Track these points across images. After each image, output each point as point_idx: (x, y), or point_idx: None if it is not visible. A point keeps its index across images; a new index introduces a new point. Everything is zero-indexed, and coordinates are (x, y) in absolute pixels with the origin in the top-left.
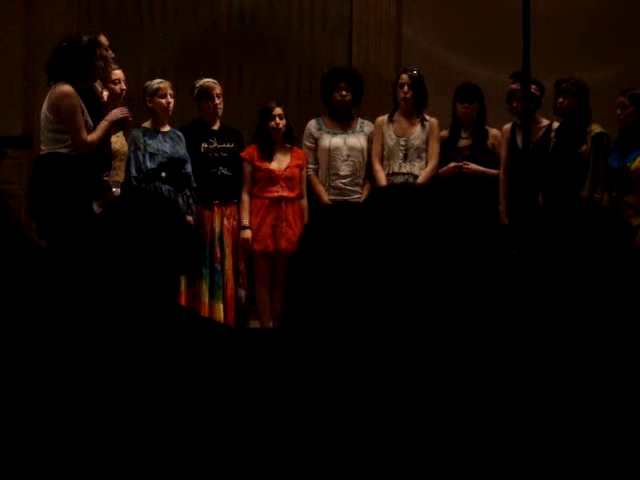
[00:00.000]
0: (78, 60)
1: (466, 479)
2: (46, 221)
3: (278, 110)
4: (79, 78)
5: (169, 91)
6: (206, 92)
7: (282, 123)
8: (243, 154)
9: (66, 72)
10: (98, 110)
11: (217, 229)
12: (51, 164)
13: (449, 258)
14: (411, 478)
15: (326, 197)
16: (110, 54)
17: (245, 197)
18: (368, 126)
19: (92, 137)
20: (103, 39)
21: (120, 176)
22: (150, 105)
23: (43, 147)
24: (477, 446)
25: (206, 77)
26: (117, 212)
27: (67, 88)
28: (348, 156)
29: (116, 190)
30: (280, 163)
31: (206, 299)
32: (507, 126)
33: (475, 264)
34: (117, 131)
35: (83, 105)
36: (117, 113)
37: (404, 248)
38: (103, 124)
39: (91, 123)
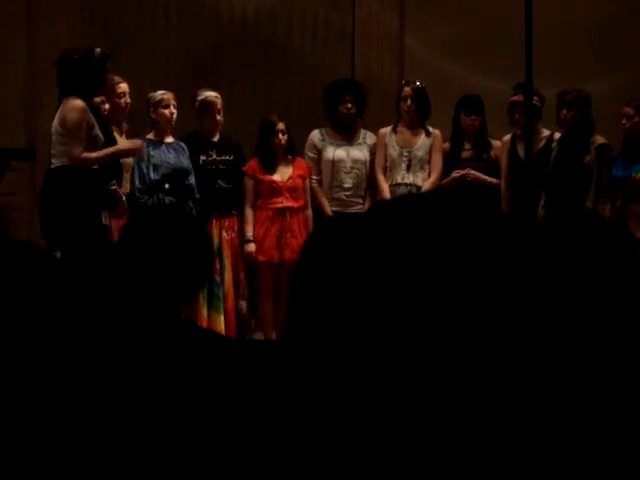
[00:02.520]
0: (90, 74)
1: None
2: (57, 234)
3: (281, 125)
4: (91, 92)
5: (172, 102)
6: (208, 107)
7: (284, 139)
8: (245, 168)
9: (78, 86)
10: (102, 123)
11: (216, 241)
12: (62, 177)
13: (454, 268)
14: None
15: (329, 209)
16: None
17: (248, 211)
18: (370, 137)
19: (88, 155)
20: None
21: (126, 187)
22: (153, 116)
23: (54, 160)
24: (480, 453)
25: (208, 89)
26: (143, 227)
27: (78, 103)
28: (352, 168)
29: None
30: (282, 174)
31: (204, 312)
32: (507, 137)
33: (482, 276)
34: (123, 157)
35: (94, 120)
36: (130, 146)
37: (408, 259)
38: (109, 150)
39: (102, 137)
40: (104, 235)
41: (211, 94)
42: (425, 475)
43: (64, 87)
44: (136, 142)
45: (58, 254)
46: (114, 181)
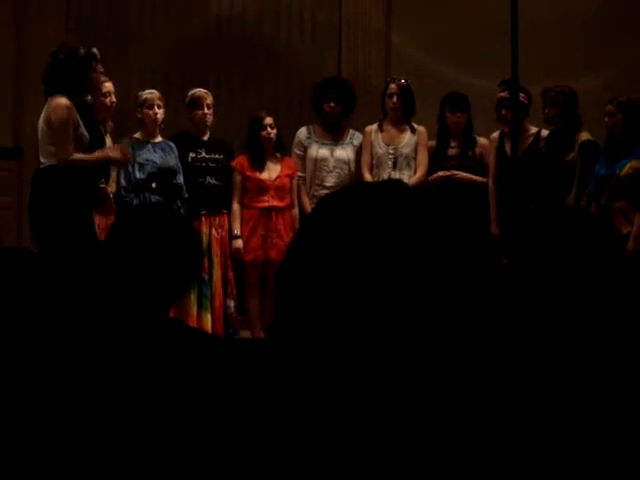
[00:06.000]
0: (75, 73)
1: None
2: (47, 234)
3: (269, 120)
4: (75, 91)
5: (157, 102)
6: (197, 101)
7: (273, 133)
8: (233, 163)
9: (63, 85)
10: (91, 123)
11: (205, 239)
12: (50, 177)
13: (440, 260)
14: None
15: (309, 207)
16: (100, 68)
17: (236, 206)
18: (358, 138)
19: (77, 157)
20: (96, 52)
21: (113, 187)
22: (139, 116)
23: (42, 159)
24: (476, 448)
25: (196, 87)
26: (131, 226)
27: (63, 101)
28: (334, 167)
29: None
30: (270, 173)
31: (194, 311)
32: (495, 134)
33: (464, 269)
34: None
35: (79, 119)
36: (118, 155)
37: (394, 253)
38: (99, 155)
39: (87, 136)
40: (94, 235)
41: (201, 90)
42: (418, 467)
43: (49, 86)
44: (126, 153)
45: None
46: (103, 179)
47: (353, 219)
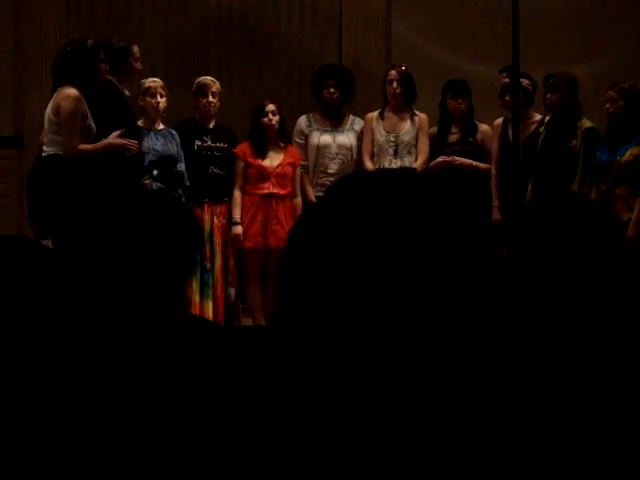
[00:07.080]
0: (82, 64)
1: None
2: (45, 223)
3: (271, 107)
4: (84, 82)
5: (159, 90)
6: (202, 88)
7: (275, 120)
8: (236, 150)
9: (70, 76)
10: (127, 112)
11: (207, 227)
12: (51, 166)
13: (441, 250)
14: (408, 478)
15: (312, 196)
16: (139, 65)
17: (237, 193)
18: (359, 123)
19: (84, 147)
20: (136, 49)
21: None
22: (142, 104)
23: (45, 148)
24: (475, 445)
25: (197, 76)
26: (132, 212)
27: (72, 91)
28: (337, 154)
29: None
30: (272, 160)
31: (197, 298)
32: (498, 121)
33: (465, 259)
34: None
35: (87, 110)
36: (125, 143)
37: (396, 242)
38: (103, 143)
39: (94, 128)
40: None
41: (208, 77)
42: (419, 470)
43: (58, 77)
44: (133, 142)
45: (46, 242)
46: (147, 175)
47: (357, 208)
